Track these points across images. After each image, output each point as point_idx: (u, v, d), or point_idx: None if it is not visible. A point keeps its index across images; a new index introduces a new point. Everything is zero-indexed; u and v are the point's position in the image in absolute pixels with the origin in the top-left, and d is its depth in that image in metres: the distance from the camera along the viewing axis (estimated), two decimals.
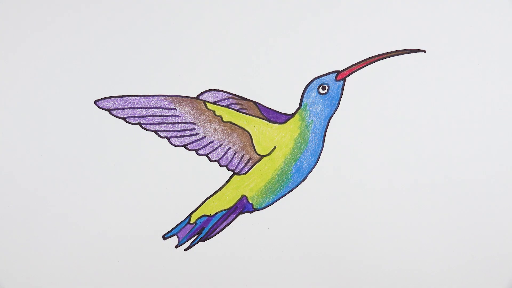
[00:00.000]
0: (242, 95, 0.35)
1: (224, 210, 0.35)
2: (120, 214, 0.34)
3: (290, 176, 0.35)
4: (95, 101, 0.35)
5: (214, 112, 0.35)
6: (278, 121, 0.35)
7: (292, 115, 0.35)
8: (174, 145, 0.35)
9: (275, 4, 0.36)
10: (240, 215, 0.35)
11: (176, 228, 0.35)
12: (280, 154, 0.35)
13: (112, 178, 0.34)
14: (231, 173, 0.35)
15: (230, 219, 0.35)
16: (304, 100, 0.35)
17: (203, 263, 0.35)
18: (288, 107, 0.36)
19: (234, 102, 0.35)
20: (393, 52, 0.36)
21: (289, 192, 0.35)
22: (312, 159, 0.36)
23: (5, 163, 0.34)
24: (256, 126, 0.35)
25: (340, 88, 0.36)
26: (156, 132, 0.35)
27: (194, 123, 0.35)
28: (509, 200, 0.37)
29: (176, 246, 0.35)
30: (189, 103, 0.35)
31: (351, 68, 0.36)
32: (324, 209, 0.35)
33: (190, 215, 0.35)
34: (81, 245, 0.34)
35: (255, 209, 0.35)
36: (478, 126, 0.36)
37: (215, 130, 0.35)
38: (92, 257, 0.34)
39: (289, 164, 0.35)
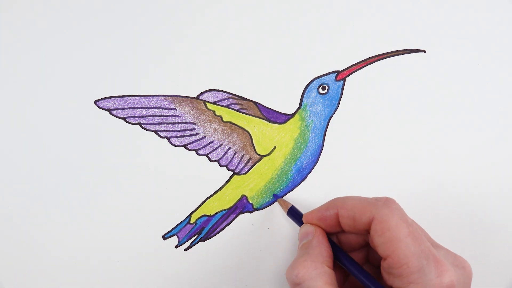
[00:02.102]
0: (242, 95, 0.35)
1: (224, 210, 0.35)
2: (120, 214, 0.34)
3: (290, 176, 0.35)
4: (95, 101, 0.35)
5: (214, 112, 0.35)
6: (278, 121, 0.35)
7: (292, 115, 0.36)
8: (174, 145, 0.35)
9: (275, 4, 0.36)
10: (240, 215, 0.35)
11: (176, 228, 0.35)
12: (280, 154, 0.35)
13: (112, 178, 0.34)
14: (231, 173, 0.35)
15: (230, 219, 0.35)
16: (304, 100, 0.35)
17: (203, 263, 0.35)
18: (288, 107, 0.36)
19: (234, 102, 0.35)
20: (393, 52, 0.36)
21: (289, 192, 0.36)
22: (312, 159, 0.36)
23: (5, 163, 0.34)
24: (256, 126, 0.35)
25: (340, 88, 0.36)
26: (156, 132, 0.35)
27: (194, 123, 0.35)
28: (509, 200, 0.37)
29: (176, 246, 0.35)
30: (189, 103, 0.35)
31: (351, 68, 0.36)
32: None
33: (190, 215, 0.35)
34: (80, 245, 0.34)
35: (255, 209, 0.35)
36: (479, 127, 0.37)
37: (215, 130, 0.35)
38: (92, 257, 0.34)
39: (289, 164, 0.35)
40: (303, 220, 0.31)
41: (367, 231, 0.28)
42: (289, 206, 0.33)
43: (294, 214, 0.33)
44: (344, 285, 0.31)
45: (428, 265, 0.25)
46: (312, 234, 0.30)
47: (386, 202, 0.28)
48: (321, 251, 0.28)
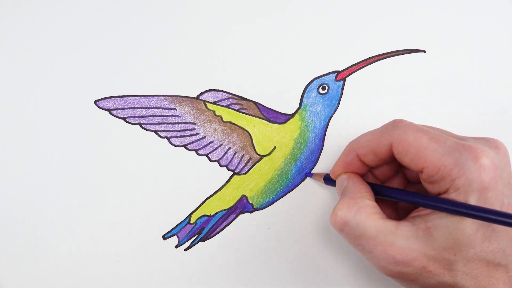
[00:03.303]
0: (242, 95, 0.35)
1: (224, 210, 0.35)
2: (120, 214, 0.34)
3: (290, 176, 0.35)
4: (95, 101, 0.35)
5: (214, 112, 0.35)
6: (278, 121, 0.35)
7: (292, 115, 0.36)
8: (174, 145, 0.35)
9: (275, 5, 0.36)
10: (240, 215, 0.35)
11: (176, 228, 0.35)
12: (280, 154, 0.35)
13: (112, 178, 0.34)
14: (231, 173, 0.35)
15: (230, 219, 0.35)
16: (304, 100, 0.35)
17: (203, 263, 0.35)
18: (288, 107, 0.36)
19: (234, 102, 0.35)
20: (393, 52, 0.36)
21: (289, 192, 0.36)
22: (312, 159, 0.36)
23: (5, 163, 0.34)
24: (256, 126, 0.35)
25: (340, 88, 0.36)
26: (156, 132, 0.35)
27: (194, 123, 0.35)
28: None
29: (176, 246, 0.35)
30: (189, 103, 0.35)
31: (351, 68, 0.36)
32: (324, 209, 0.35)
33: (190, 215, 0.35)
34: (80, 245, 0.34)
35: (255, 209, 0.35)
36: (479, 127, 0.37)
37: (215, 130, 0.35)
38: (92, 257, 0.34)
39: (289, 164, 0.35)
40: (331, 175, 0.32)
41: (392, 157, 0.28)
42: (323, 175, 0.33)
43: (329, 179, 0.33)
44: (399, 216, 0.30)
45: (462, 155, 0.25)
46: (347, 179, 0.30)
47: (395, 124, 0.28)
48: (358, 188, 0.28)
